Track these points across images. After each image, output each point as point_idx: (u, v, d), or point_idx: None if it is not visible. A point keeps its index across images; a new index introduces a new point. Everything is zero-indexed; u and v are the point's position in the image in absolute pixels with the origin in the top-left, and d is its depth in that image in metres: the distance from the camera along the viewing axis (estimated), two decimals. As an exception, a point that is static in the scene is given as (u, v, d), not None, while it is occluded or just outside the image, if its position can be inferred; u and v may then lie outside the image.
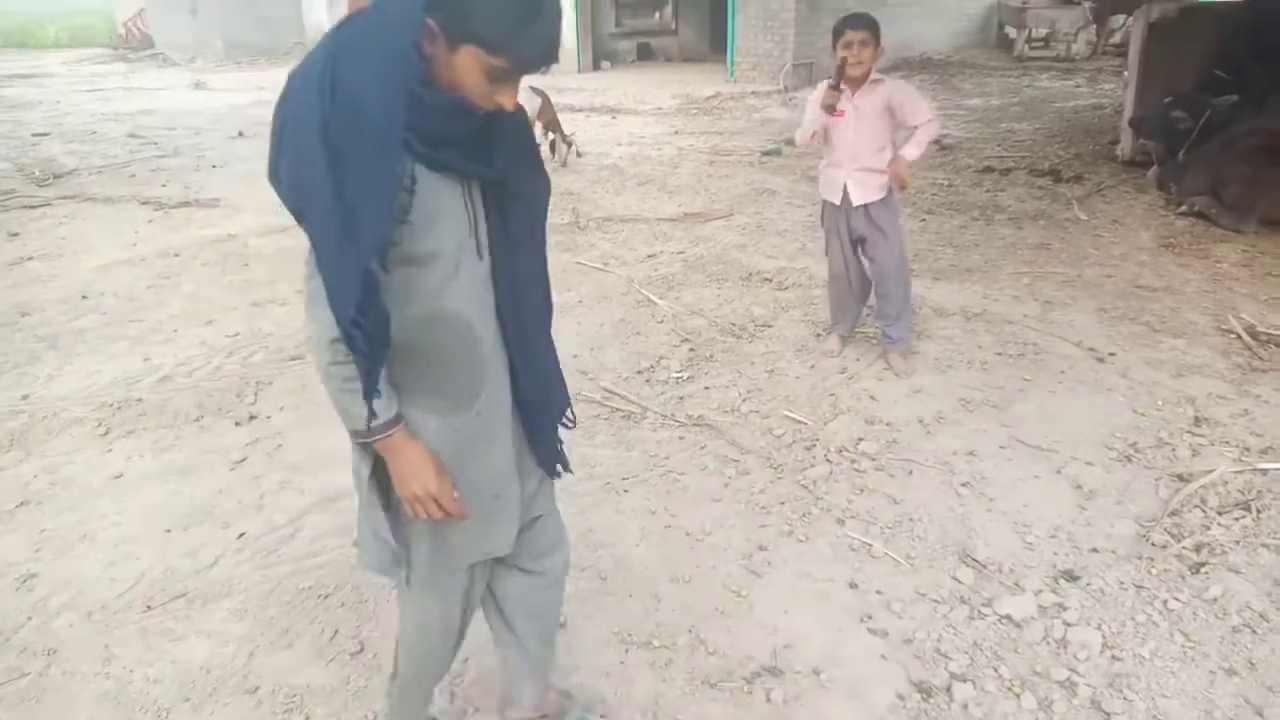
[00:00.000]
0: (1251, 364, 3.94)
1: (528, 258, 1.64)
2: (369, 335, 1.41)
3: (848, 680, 2.28)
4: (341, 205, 1.34)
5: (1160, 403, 3.62)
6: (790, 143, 9.04)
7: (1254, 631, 2.39)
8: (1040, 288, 4.93)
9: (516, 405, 1.71)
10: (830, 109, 3.55)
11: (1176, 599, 2.51)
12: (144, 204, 7.37)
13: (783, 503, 3.03)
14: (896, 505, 3.01)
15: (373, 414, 1.48)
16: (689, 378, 3.97)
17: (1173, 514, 2.89)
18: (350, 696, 2.27)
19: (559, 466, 1.85)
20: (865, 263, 3.96)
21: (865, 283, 4.05)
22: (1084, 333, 4.31)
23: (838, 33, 3.54)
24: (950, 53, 17.29)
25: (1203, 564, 2.65)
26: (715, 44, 17.37)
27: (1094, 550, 2.75)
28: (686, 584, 2.65)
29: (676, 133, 10.33)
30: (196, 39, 21.07)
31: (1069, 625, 2.43)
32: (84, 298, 5.15)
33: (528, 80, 1.65)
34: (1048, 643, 2.38)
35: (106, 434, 3.60)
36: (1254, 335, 4.17)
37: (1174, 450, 3.27)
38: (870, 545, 2.79)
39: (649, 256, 5.67)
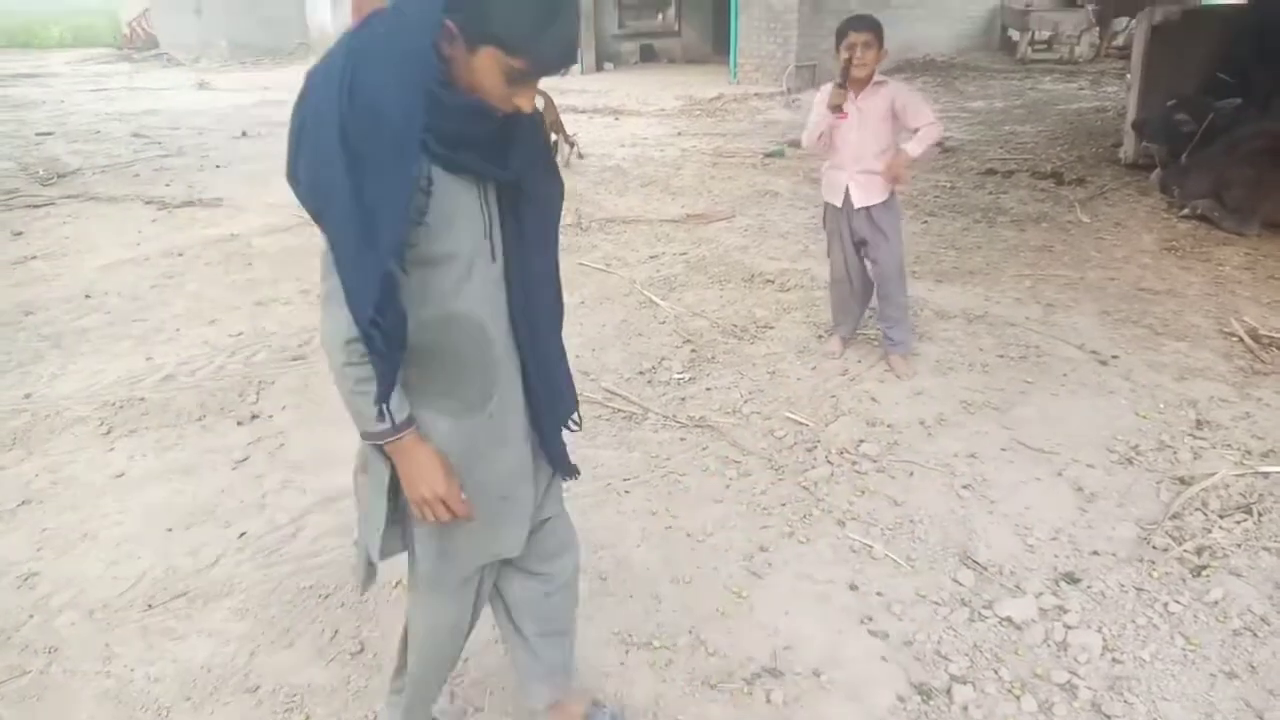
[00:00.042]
0: (1253, 367, 3.93)
1: (541, 259, 1.65)
2: (387, 336, 1.41)
3: (848, 682, 2.28)
4: (361, 208, 1.34)
5: (1162, 405, 3.62)
6: (794, 144, 9.06)
7: (1255, 635, 2.39)
8: (1042, 290, 4.93)
9: (528, 407, 1.71)
10: (836, 108, 3.55)
11: (1177, 602, 2.51)
12: (148, 203, 7.39)
13: (784, 504, 3.03)
14: (897, 507, 3.01)
15: (387, 415, 1.49)
16: (690, 379, 3.97)
17: (1174, 517, 2.89)
18: (350, 696, 2.28)
19: (571, 468, 1.85)
20: (867, 265, 3.96)
21: (867, 285, 4.05)
22: (1086, 335, 4.30)
23: (841, 34, 3.54)
24: (953, 55, 17.29)
25: (1204, 567, 2.64)
26: (718, 45, 17.37)
27: (1095, 553, 2.75)
28: (687, 585, 2.65)
29: (679, 134, 10.33)
30: (201, 39, 21.10)
31: (1069, 628, 2.42)
32: (87, 297, 5.17)
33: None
34: (1048, 645, 2.38)
35: (109, 433, 3.61)
36: (1256, 338, 4.17)
37: (1175, 453, 3.27)
38: (871, 547, 2.79)
39: (651, 258, 5.67)
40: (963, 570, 2.67)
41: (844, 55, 3.49)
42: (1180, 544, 2.75)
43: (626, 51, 18.03)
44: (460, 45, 1.36)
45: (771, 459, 3.31)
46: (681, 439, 3.47)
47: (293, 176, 1.42)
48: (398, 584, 2.65)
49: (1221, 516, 2.89)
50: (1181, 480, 3.10)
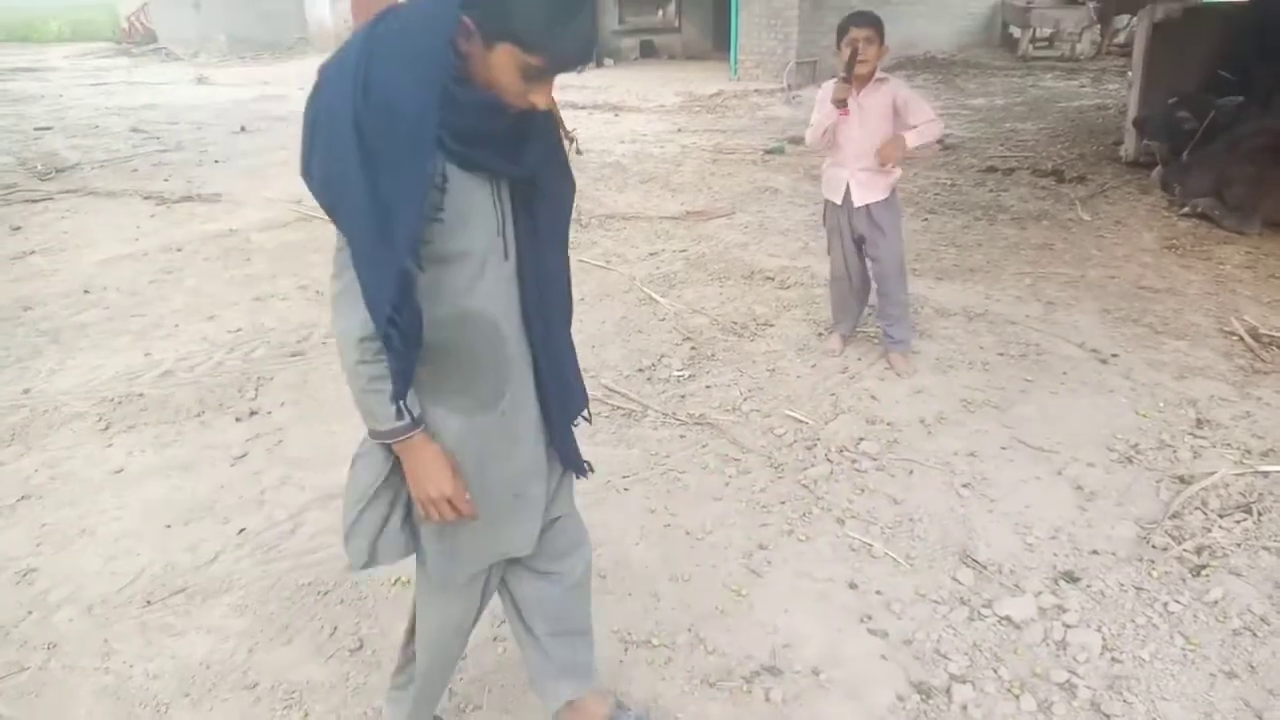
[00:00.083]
0: (1254, 366, 3.93)
1: (553, 256, 1.65)
2: (404, 334, 1.41)
3: (847, 680, 2.28)
4: (376, 205, 1.34)
5: (1162, 404, 3.61)
6: (795, 141, 9.05)
7: (1254, 634, 2.39)
8: (1043, 288, 4.92)
9: (539, 404, 1.71)
10: (840, 103, 3.54)
11: (1177, 601, 2.51)
12: (146, 198, 7.37)
13: (783, 502, 3.03)
14: (897, 505, 3.00)
15: (400, 414, 1.49)
16: (690, 376, 3.97)
17: (1174, 516, 2.89)
18: (349, 693, 2.27)
19: (584, 465, 1.85)
20: (868, 263, 3.96)
21: (866, 283, 4.04)
22: (1086, 334, 4.30)
23: (842, 31, 3.53)
24: (954, 52, 17.26)
25: (1203, 566, 2.64)
26: (719, 41, 17.33)
27: (1094, 552, 2.74)
28: (686, 583, 2.65)
29: (679, 130, 10.32)
30: (200, 33, 21.05)
31: (1069, 627, 2.42)
32: (86, 292, 5.16)
33: None
34: (1047, 644, 2.38)
35: (107, 429, 3.60)
36: (1256, 337, 4.16)
37: (1175, 452, 3.27)
38: (870, 545, 2.79)
39: (651, 254, 5.66)
40: (962, 569, 2.67)
41: (847, 50, 3.47)
42: (1180, 543, 2.75)
43: (627, 47, 18.00)
44: (477, 41, 1.35)
45: (771, 457, 3.31)
46: (681, 436, 3.47)
47: (306, 172, 1.41)
48: (395, 581, 2.66)
49: (1221, 516, 2.88)
50: (1181, 479, 3.10)
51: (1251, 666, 2.29)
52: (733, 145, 9.29)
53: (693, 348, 4.25)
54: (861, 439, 3.40)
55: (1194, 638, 2.38)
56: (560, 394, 1.72)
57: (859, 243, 3.88)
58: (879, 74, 3.59)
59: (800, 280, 5.11)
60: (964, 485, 3.10)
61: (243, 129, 10.65)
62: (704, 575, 2.68)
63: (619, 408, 3.68)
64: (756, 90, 13.13)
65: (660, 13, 18.90)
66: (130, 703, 2.26)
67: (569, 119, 9.04)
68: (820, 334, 4.35)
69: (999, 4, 18.49)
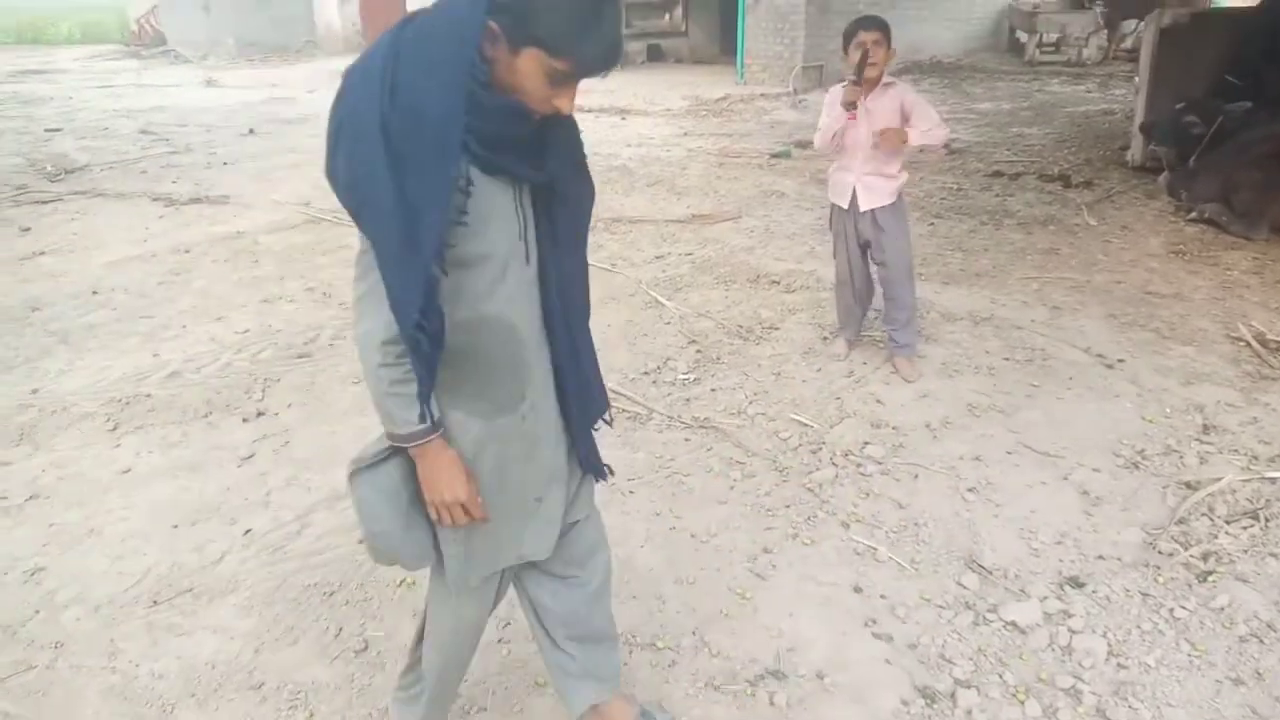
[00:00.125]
0: (1261, 372, 3.92)
1: (573, 259, 1.66)
2: (431, 339, 1.42)
3: (851, 684, 2.28)
4: (403, 207, 1.34)
5: (1169, 410, 3.61)
6: (801, 145, 9.05)
7: (1261, 641, 2.38)
8: (1049, 293, 4.92)
9: (560, 408, 1.72)
10: (850, 106, 3.53)
11: (1183, 607, 2.50)
12: (155, 200, 7.41)
13: (788, 506, 3.03)
14: (902, 510, 3.00)
15: (422, 418, 1.49)
16: (695, 379, 3.97)
17: (1180, 522, 2.88)
18: (354, 694, 2.28)
19: (605, 468, 1.85)
20: (873, 267, 3.96)
21: (870, 287, 4.04)
22: (1092, 339, 4.29)
23: (849, 35, 3.53)
24: (960, 56, 17.26)
25: (1210, 572, 2.63)
26: (725, 46, 17.36)
27: (1100, 557, 2.74)
28: (691, 586, 2.65)
29: (685, 134, 10.33)
30: (209, 36, 21.16)
31: (1074, 632, 2.42)
32: (95, 293, 5.18)
33: None
34: (1053, 650, 2.37)
35: (115, 429, 3.62)
36: (1264, 343, 4.15)
37: (1182, 458, 3.26)
38: (875, 549, 2.79)
39: (657, 258, 5.67)
40: (967, 574, 2.67)
41: (857, 53, 3.47)
42: (1186, 549, 2.74)
43: (633, 51, 18.03)
44: (503, 46, 1.36)
45: (776, 460, 3.31)
46: (686, 440, 3.47)
47: (331, 174, 1.42)
48: (401, 582, 2.66)
49: (1228, 522, 2.88)
50: (1188, 485, 3.09)
51: (1258, 673, 2.28)
52: (739, 149, 9.30)
53: (698, 351, 4.25)
54: (867, 443, 3.40)
55: (1200, 644, 2.37)
56: (581, 396, 1.73)
57: (864, 247, 3.88)
58: (886, 78, 3.60)
59: (806, 284, 5.11)
60: (969, 490, 3.10)
61: (251, 131, 10.69)
62: (708, 578, 2.68)
63: (624, 411, 3.68)
64: (763, 94, 13.15)
65: (667, 17, 18.93)
66: (136, 702, 2.27)
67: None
68: (825, 338, 4.35)
69: (1006, 9, 18.49)
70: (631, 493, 3.12)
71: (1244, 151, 6.06)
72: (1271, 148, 5.93)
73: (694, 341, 4.35)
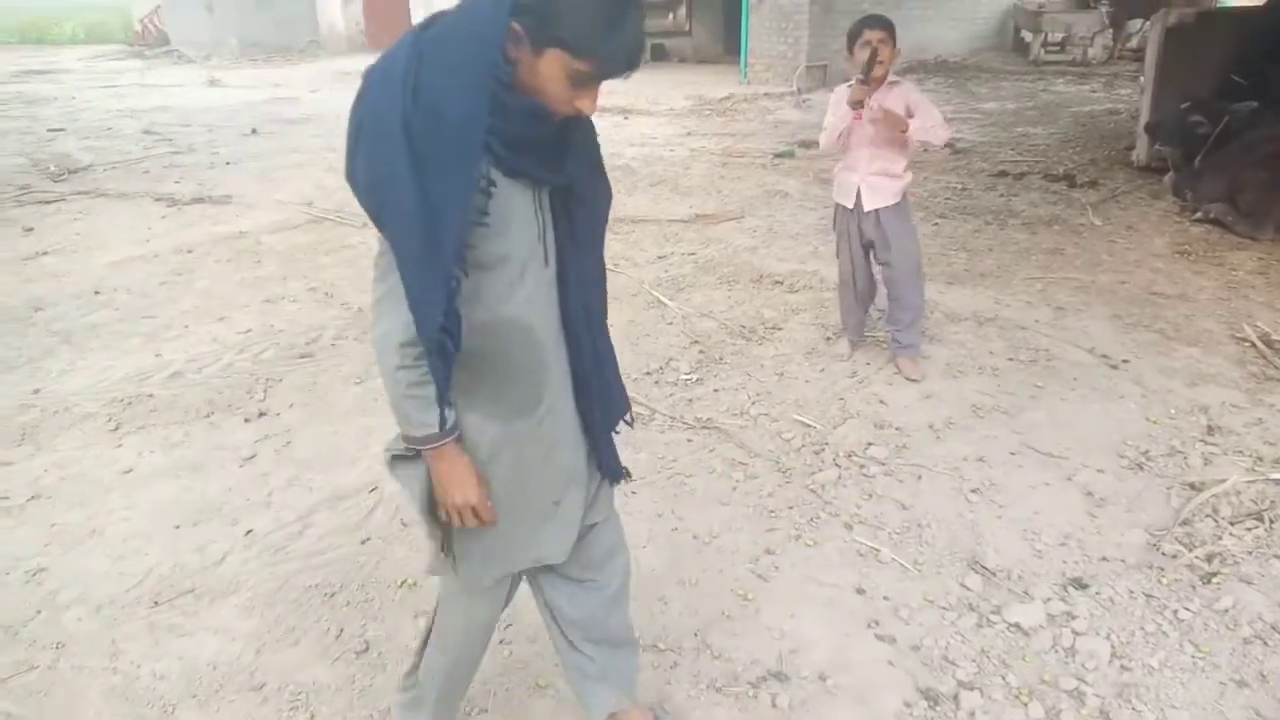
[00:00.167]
0: (1266, 373, 3.90)
1: (591, 260, 1.65)
2: (454, 341, 1.42)
3: (854, 686, 2.27)
4: (425, 207, 1.34)
5: (1173, 411, 3.59)
6: (805, 145, 9.04)
7: (1265, 643, 2.37)
8: (1053, 293, 4.90)
9: (579, 410, 1.71)
10: (858, 104, 3.52)
11: (1187, 609, 2.49)
12: (158, 200, 7.42)
13: (791, 507, 3.02)
14: (905, 511, 2.99)
15: (439, 420, 1.49)
16: (698, 380, 3.96)
17: (1184, 523, 2.87)
18: (355, 695, 2.27)
19: (621, 471, 1.84)
20: (877, 268, 3.95)
21: (871, 288, 4.03)
22: (1097, 339, 4.28)
23: (854, 34, 3.52)
24: (965, 56, 17.22)
25: (1214, 574, 2.62)
26: (729, 45, 17.36)
27: (1104, 559, 2.73)
28: (693, 587, 2.64)
29: (689, 134, 10.32)
30: (212, 36, 21.19)
31: (1078, 634, 2.41)
32: (97, 293, 5.19)
33: None
34: (1056, 651, 2.36)
35: (117, 429, 3.62)
36: (1269, 344, 4.13)
37: (1186, 459, 3.25)
38: (878, 551, 2.78)
39: (660, 258, 5.66)
40: (971, 575, 2.66)
41: (865, 51, 3.45)
42: (1190, 550, 2.73)
43: (637, 51, 18.00)
44: (526, 48, 1.35)
45: (779, 461, 3.30)
46: (688, 440, 3.47)
47: (350, 175, 1.42)
48: (402, 584, 2.66)
49: (1232, 523, 2.86)
50: (1192, 486, 3.08)
51: (1262, 675, 2.27)
52: (742, 149, 9.29)
53: (701, 351, 4.24)
54: (870, 444, 3.39)
55: (1204, 646, 2.36)
56: (603, 398, 1.73)
57: (867, 248, 3.87)
58: (891, 77, 3.58)
59: (809, 284, 5.10)
60: (973, 491, 3.09)
61: (254, 131, 10.70)
62: (711, 580, 2.67)
63: (627, 411, 3.68)
64: (766, 94, 13.13)
65: (671, 16, 18.92)
66: (138, 703, 2.26)
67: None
68: (829, 338, 4.34)
69: (1010, 8, 18.44)
70: (634, 494, 3.11)
71: (1250, 151, 6.03)
72: (1277, 148, 5.91)
73: (697, 342, 4.35)
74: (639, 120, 11.35)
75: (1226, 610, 2.48)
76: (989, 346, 4.23)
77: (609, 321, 1.78)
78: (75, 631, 2.51)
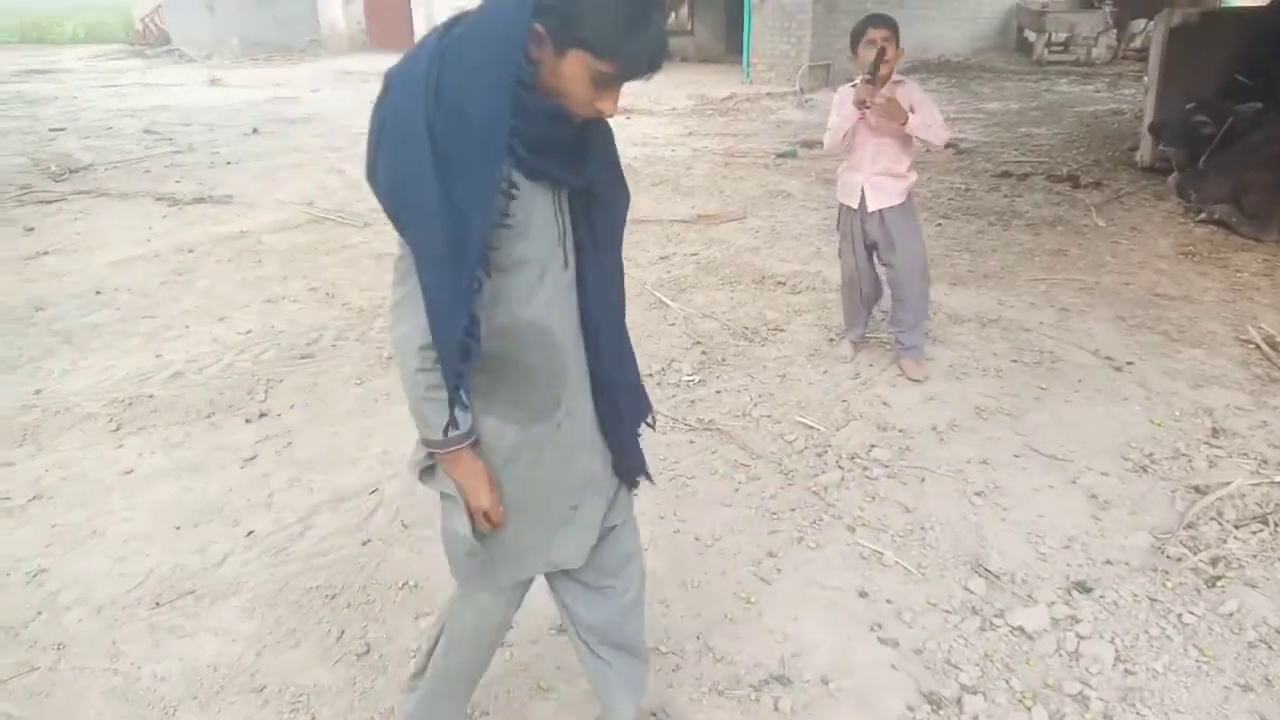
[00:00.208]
0: (1271, 375, 3.89)
1: (610, 261, 1.65)
2: (477, 344, 1.41)
3: (857, 690, 2.26)
4: (449, 208, 1.34)
5: (1177, 413, 3.58)
6: (807, 145, 9.03)
7: (1270, 647, 2.36)
8: (1057, 295, 4.89)
9: (598, 414, 1.70)
10: (863, 104, 3.50)
11: (1191, 613, 2.48)
12: (159, 200, 7.41)
13: (793, 509, 3.01)
14: (908, 513, 2.98)
15: (455, 424, 1.48)
16: (700, 381, 3.95)
17: (1188, 526, 2.86)
18: (356, 697, 2.27)
19: (640, 476, 1.83)
20: (880, 269, 3.93)
21: (875, 289, 4.02)
22: (1101, 341, 4.27)
23: (858, 34, 3.51)
24: (968, 56, 17.21)
25: (1218, 578, 2.61)
26: (731, 45, 17.33)
27: (1108, 562, 2.71)
28: (695, 590, 2.63)
29: (691, 134, 10.31)
30: (213, 36, 21.17)
31: (1081, 638, 2.40)
32: (98, 293, 5.18)
33: None
34: (1060, 655, 2.35)
35: (118, 430, 3.61)
36: (1274, 346, 4.12)
37: (1191, 461, 3.24)
38: (881, 554, 2.77)
39: (661, 258, 5.65)
40: (974, 578, 2.65)
41: (871, 50, 3.43)
42: (1195, 554, 2.72)
43: (638, 50, 18.00)
44: (548, 49, 1.35)
45: (781, 463, 3.29)
46: (690, 442, 3.46)
47: (371, 176, 1.42)
48: (403, 586, 2.65)
49: (1237, 526, 2.85)
50: (1196, 489, 3.06)
51: (1267, 680, 2.25)
52: (745, 149, 9.27)
53: (703, 352, 4.23)
54: (873, 446, 3.38)
55: (1208, 650, 2.35)
56: (627, 399, 1.72)
57: (871, 248, 3.86)
58: (894, 76, 3.57)
59: (812, 285, 5.08)
60: (976, 493, 3.08)
61: (255, 131, 10.69)
62: (713, 582, 2.66)
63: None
64: (769, 94, 13.12)
65: (673, 16, 18.90)
66: (138, 704, 2.26)
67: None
68: (832, 339, 4.33)
69: (1014, 8, 18.44)
70: (635, 495, 3.09)
71: (1254, 152, 6.02)
72: (1281, 149, 5.90)
73: (699, 343, 4.34)
74: (641, 120, 11.33)
75: (1231, 614, 2.46)
76: (992, 348, 4.21)
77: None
78: (76, 632, 2.50)
